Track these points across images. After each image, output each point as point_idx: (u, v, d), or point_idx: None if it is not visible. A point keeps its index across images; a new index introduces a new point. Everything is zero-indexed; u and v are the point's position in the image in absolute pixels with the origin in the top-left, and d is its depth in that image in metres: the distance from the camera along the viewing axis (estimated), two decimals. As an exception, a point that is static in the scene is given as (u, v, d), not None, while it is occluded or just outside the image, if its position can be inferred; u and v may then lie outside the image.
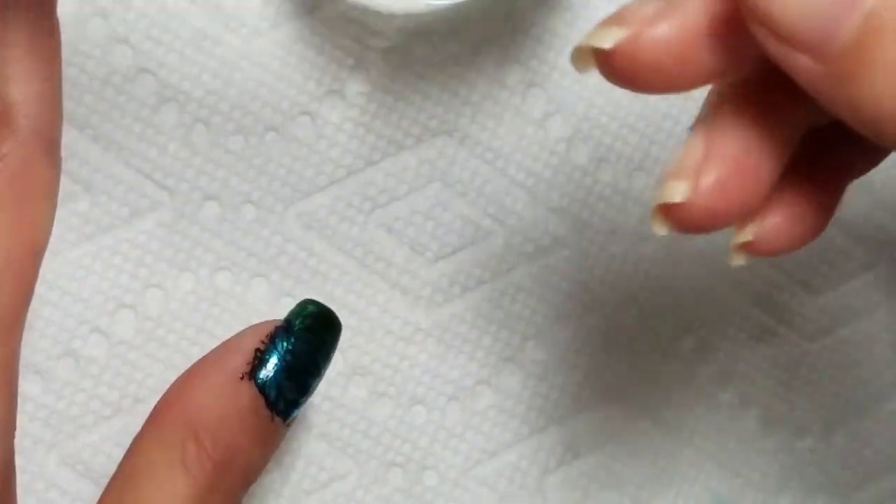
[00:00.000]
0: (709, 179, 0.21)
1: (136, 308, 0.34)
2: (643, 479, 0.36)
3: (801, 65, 0.19)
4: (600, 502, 0.36)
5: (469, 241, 0.35)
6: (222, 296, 0.34)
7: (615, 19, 0.20)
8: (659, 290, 0.36)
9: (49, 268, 0.33)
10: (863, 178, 0.37)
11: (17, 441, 0.33)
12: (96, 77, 0.34)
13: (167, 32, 0.34)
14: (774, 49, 0.19)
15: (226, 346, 0.30)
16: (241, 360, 0.28)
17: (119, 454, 0.33)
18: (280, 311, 0.34)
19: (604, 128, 0.35)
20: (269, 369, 0.28)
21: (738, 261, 0.23)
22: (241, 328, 0.34)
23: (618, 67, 0.20)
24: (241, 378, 0.28)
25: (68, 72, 0.33)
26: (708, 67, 0.20)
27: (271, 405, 0.28)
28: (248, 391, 0.28)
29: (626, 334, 0.36)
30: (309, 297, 0.33)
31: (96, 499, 0.33)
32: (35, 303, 0.33)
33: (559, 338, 0.35)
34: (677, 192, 0.21)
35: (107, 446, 0.33)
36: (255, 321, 0.34)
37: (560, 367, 0.35)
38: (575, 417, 0.35)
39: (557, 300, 0.35)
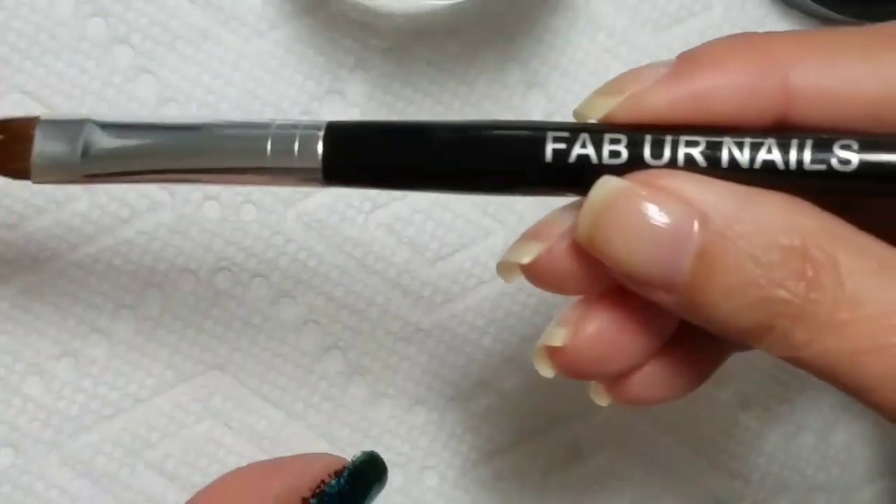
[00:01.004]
0: (589, 330, 0.23)
1: (137, 308, 0.34)
2: (643, 479, 0.36)
3: (657, 297, 0.22)
4: (600, 503, 0.36)
5: (469, 241, 0.35)
6: (223, 296, 0.34)
7: (531, 235, 0.24)
8: (503, 279, 0.36)
9: (49, 268, 0.33)
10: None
11: (17, 441, 0.33)
12: (96, 77, 0.34)
13: (167, 32, 0.34)
14: (632, 286, 0.22)
15: (291, 463, 0.31)
16: (307, 484, 0.29)
17: (119, 454, 0.33)
18: (280, 311, 0.34)
19: (604, 128, 0.35)
20: (324, 503, 0.29)
21: (547, 372, 0.24)
22: (241, 328, 0.34)
23: (537, 277, 0.24)
24: (303, 501, 0.29)
25: (68, 71, 0.33)
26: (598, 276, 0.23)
27: None
28: None
29: (627, 334, 0.36)
30: (308, 297, 0.33)
31: (96, 499, 0.33)
32: (35, 303, 0.33)
33: (559, 338, 0.35)
34: (557, 337, 0.24)
35: (107, 446, 0.33)
36: (256, 322, 0.34)
37: (560, 367, 0.35)
38: (575, 419, 0.35)
39: (557, 300, 0.35)
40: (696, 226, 0.21)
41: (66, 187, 0.33)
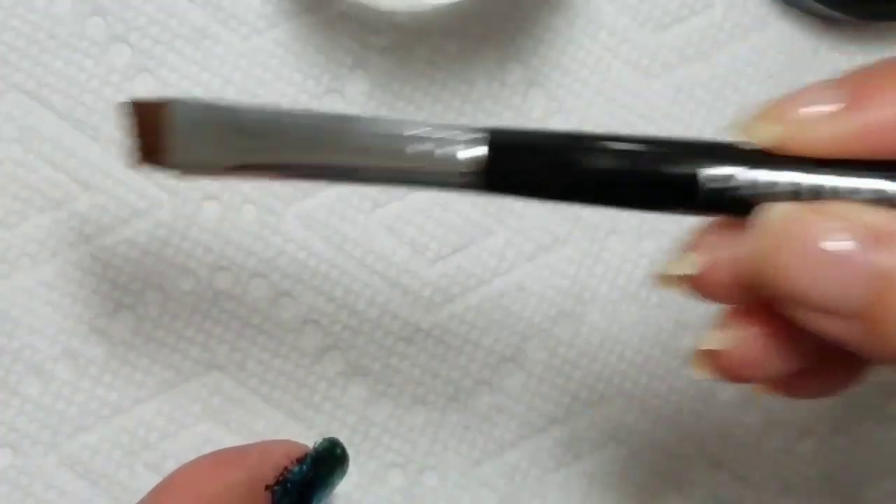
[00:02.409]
0: (748, 335, 0.23)
1: (136, 308, 0.34)
2: (643, 479, 0.36)
3: (827, 325, 0.21)
4: (600, 502, 0.36)
5: (469, 241, 0.35)
6: (222, 296, 0.34)
7: (691, 247, 0.24)
8: (659, 289, 0.36)
9: (49, 268, 0.33)
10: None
11: (17, 441, 0.33)
12: (96, 76, 0.33)
13: (166, 31, 0.34)
14: (799, 314, 0.22)
15: (253, 451, 0.31)
16: (270, 471, 0.30)
17: (119, 454, 0.33)
18: (279, 311, 0.34)
19: (604, 126, 0.35)
20: (288, 490, 0.30)
21: (703, 376, 0.25)
22: (241, 328, 0.34)
23: (701, 289, 0.24)
24: (266, 488, 0.29)
25: (67, 71, 0.33)
26: None
27: None
28: (263, 499, 0.29)
29: (627, 333, 0.36)
30: (308, 296, 0.33)
31: (95, 499, 0.33)
32: (35, 303, 0.33)
33: (559, 338, 0.35)
34: (718, 342, 0.24)
35: (106, 446, 0.33)
36: (255, 321, 0.34)
37: (560, 367, 0.35)
38: (575, 417, 0.35)
39: (557, 300, 0.35)
40: (876, 250, 0.21)
41: (65, 186, 0.33)
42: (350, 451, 0.32)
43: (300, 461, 0.30)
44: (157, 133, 0.25)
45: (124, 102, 0.25)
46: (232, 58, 0.34)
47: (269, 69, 0.34)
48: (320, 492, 0.31)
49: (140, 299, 0.34)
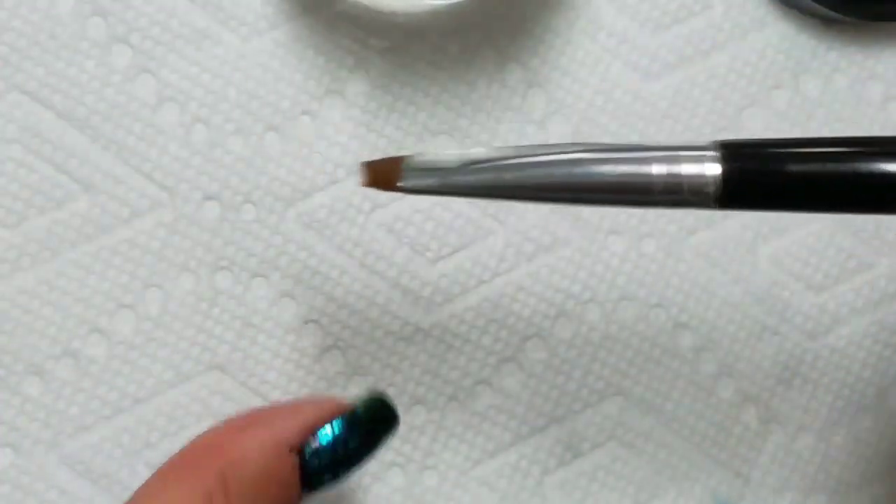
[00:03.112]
0: None
1: (136, 308, 0.34)
2: (643, 478, 0.36)
3: None
4: (600, 502, 0.36)
5: (469, 241, 0.35)
6: (222, 296, 0.34)
7: None
8: (659, 289, 0.36)
9: (49, 268, 0.33)
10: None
11: (18, 441, 0.33)
12: (96, 77, 0.34)
13: (167, 32, 0.34)
14: None
15: (283, 409, 0.28)
16: (296, 432, 0.27)
17: (119, 454, 0.33)
18: (280, 311, 0.34)
19: (603, 127, 0.35)
20: (319, 453, 0.27)
21: None
22: (241, 328, 0.34)
23: None
24: (291, 450, 0.27)
25: (68, 71, 0.33)
26: None
27: (305, 482, 0.27)
28: (290, 463, 0.27)
29: (627, 333, 0.36)
30: (308, 296, 0.33)
31: (95, 499, 0.33)
32: (35, 303, 0.33)
33: (559, 338, 0.35)
34: None
35: (107, 446, 0.33)
36: (255, 321, 0.34)
37: (560, 367, 0.35)
38: (575, 417, 0.35)
39: (557, 299, 0.35)
40: None
41: (65, 186, 0.33)
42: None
43: (332, 419, 0.27)
44: (390, 179, 0.26)
45: (361, 164, 0.27)
46: (232, 58, 0.34)
47: (269, 70, 0.34)
48: (359, 456, 0.28)
49: (140, 299, 0.34)
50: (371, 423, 0.28)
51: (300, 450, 0.27)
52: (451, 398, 0.35)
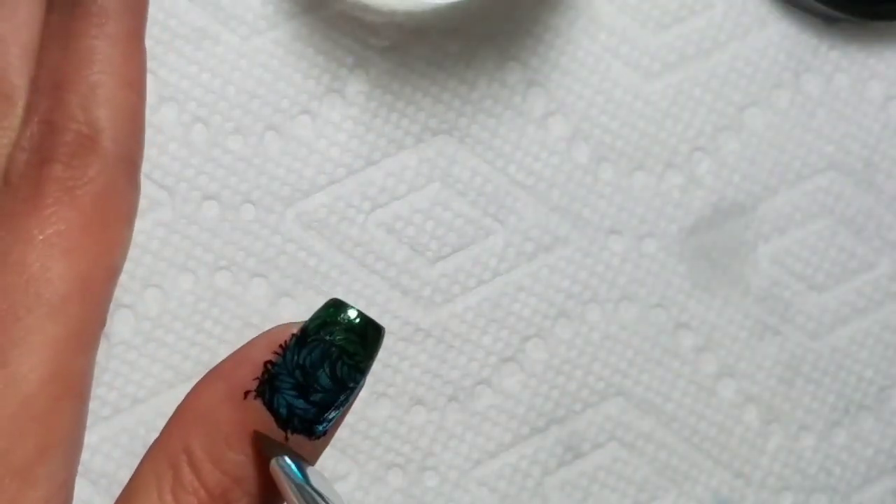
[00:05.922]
0: None
1: (136, 308, 0.34)
2: (644, 479, 0.36)
3: None
4: (601, 503, 0.36)
5: (469, 241, 0.35)
6: (222, 296, 0.34)
7: None
8: (660, 288, 0.36)
9: (48, 268, 0.33)
10: (865, 177, 0.36)
11: (16, 441, 0.33)
12: (95, 76, 0.33)
13: (166, 31, 0.34)
14: None
15: (235, 356, 0.25)
16: (247, 375, 0.24)
17: (119, 454, 0.33)
18: (279, 311, 0.34)
19: (604, 126, 0.35)
20: (276, 386, 0.24)
21: None
22: (241, 328, 0.34)
23: None
24: (246, 396, 0.24)
25: (67, 71, 0.33)
26: None
27: (283, 424, 0.24)
28: (255, 410, 0.24)
29: (627, 333, 0.36)
30: (308, 296, 0.33)
31: (95, 499, 0.33)
32: (34, 303, 0.33)
33: (559, 338, 0.35)
34: None
35: (106, 446, 0.33)
36: (255, 321, 0.34)
37: (560, 367, 0.35)
38: (575, 417, 0.35)
39: (557, 299, 0.35)
40: None
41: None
42: (350, 452, 0.32)
43: (284, 347, 0.23)
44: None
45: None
46: (232, 58, 0.34)
47: (269, 69, 0.34)
48: (333, 376, 0.24)
49: (139, 299, 0.34)
50: (325, 333, 0.24)
51: (259, 392, 0.24)
52: (451, 398, 0.35)
